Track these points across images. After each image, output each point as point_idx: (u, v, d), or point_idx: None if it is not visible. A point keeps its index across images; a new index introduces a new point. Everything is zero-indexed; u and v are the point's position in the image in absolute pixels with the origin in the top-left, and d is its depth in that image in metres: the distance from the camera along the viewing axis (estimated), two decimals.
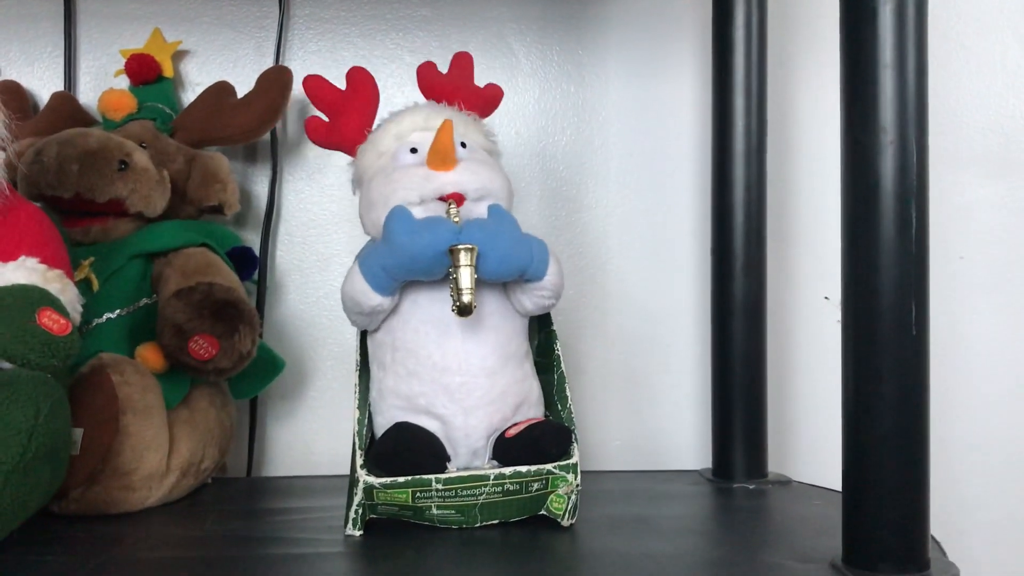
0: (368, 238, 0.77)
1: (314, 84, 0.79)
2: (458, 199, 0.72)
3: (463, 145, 0.75)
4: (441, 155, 0.72)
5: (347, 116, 0.78)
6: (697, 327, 1.01)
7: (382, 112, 0.80)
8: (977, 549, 1.00)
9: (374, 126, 0.79)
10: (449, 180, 0.72)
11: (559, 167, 1.02)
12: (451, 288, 0.68)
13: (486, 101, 0.81)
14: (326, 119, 0.79)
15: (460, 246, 0.68)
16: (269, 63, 0.99)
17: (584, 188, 1.02)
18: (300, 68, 0.98)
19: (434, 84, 0.80)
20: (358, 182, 0.78)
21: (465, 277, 0.67)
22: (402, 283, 0.71)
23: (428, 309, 0.72)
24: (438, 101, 0.79)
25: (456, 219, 0.70)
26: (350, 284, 0.72)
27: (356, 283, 0.71)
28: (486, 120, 0.81)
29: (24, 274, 0.66)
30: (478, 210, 0.72)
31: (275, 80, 0.93)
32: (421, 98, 0.80)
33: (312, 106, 0.79)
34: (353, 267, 0.73)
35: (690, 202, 1.01)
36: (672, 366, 1.02)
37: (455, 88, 0.80)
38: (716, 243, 0.89)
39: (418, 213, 0.70)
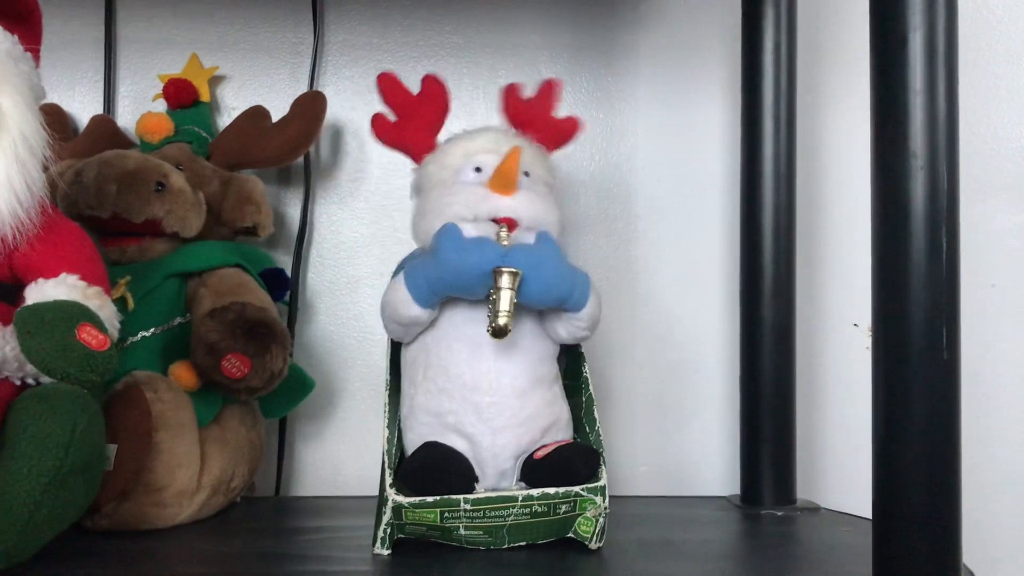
0: (408, 252, 0.78)
1: (387, 83, 0.79)
2: (510, 224, 0.72)
3: (526, 174, 0.76)
4: (504, 179, 0.73)
5: (416, 121, 0.79)
6: (726, 352, 1.00)
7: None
8: None
9: (442, 138, 0.80)
10: (506, 204, 0.73)
11: (587, 192, 1.02)
12: (489, 309, 0.69)
13: (561, 132, 0.82)
14: (393, 119, 0.80)
15: (505, 268, 0.68)
16: (303, 88, 1.00)
17: (612, 213, 1.02)
18: (334, 93, 1.00)
19: (516, 106, 0.81)
20: (418, 189, 0.79)
21: (505, 300, 0.68)
22: (443, 298, 0.72)
23: (462, 328, 0.73)
24: (516, 123, 0.80)
25: (505, 242, 0.71)
26: (392, 292, 0.73)
27: (398, 292, 0.72)
28: (553, 157, 0.81)
29: (64, 290, 0.67)
30: (527, 239, 0.73)
31: (309, 105, 0.94)
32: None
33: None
34: (397, 276, 0.74)
35: (719, 227, 1.01)
36: (700, 391, 1.02)
37: (535, 114, 0.81)
38: (745, 268, 0.89)
39: (469, 230, 0.71)
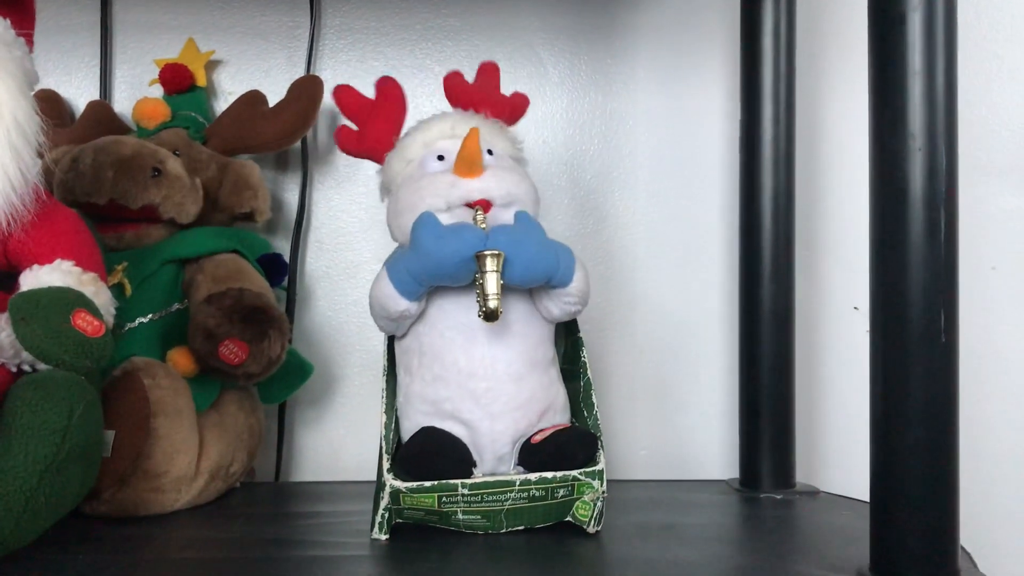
0: (396, 245, 0.77)
1: (344, 94, 0.80)
2: (485, 205, 0.72)
3: (489, 152, 0.76)
4: (468, 162, 0.72)
5: (376, 124, 0.79)
6: (725, 336, 1.00)
7: (410, 121, 0.81)
8: (1008, 561, 0.98)
9: (402, 134, 0.80)
10: (476, 187, 0.73)
11: (587, 176, 1.02)
12: (477, 294, 0.69)
13: (512, 109, 0.82)
14: (355, 128, 0.80)
15: (486, 252, 0.68)
16: (300, 72, 1.00)
17: (612, 197, 1.02)
18: (331, 77, 1.00)
19: (461, 93, 0.81)
20: (386, 189, 0.79)
21: (491, 283, 0.68)
22: (429, 288, 0.72)
23: (454, 315, 0.73)
24: (465, 109, 0.80)
25: (483, 225, 0.70)
26: (378, 289, 0.73)
27: (384, 288, 0.72)
28: (513, 128, 0.81)
29: (60, 276, 0.67)
30: (504, 216, 0.73)
31: (306, 89, 0.94)
32: (449, 107, 0.81)
33: (341, 115, 0.80)
34: (381, 272, 0.73)
35: (718, 210, 1.01)
36: (700, 375, 1.01)
37: (482, 97, 0.81)
38: (744, 251, 0.89)
39: (445, 220, 0.71)
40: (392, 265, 0.72)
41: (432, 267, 0.69)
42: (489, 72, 0.82)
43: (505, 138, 0.79)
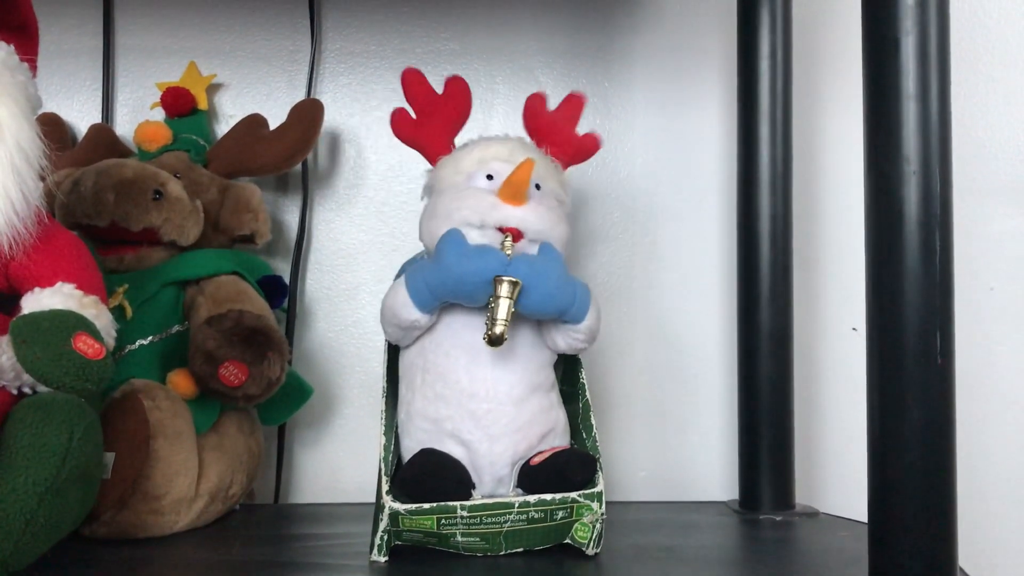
0: (408, 257, 0.78)
1: (412, 79, 0.79)
2: (516, 235, 0.72)
3: (537, 187, 0.76)
4: (514, 188, 0.73)
5: (436, 120, 0.79)
6: (723, 357, 1.00)
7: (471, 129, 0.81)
8: None
9: (459, 142, 0.80)
10: (514, 214, 0.73)
11: (585, 198, 1.03)
12: (487, 316, 0.69)
13: (581, 149, 0.81)
14: (413, 115, 0.79)
15: (505, 278, 0.69)
16: (301, 96, 1.00)
17: (610, 218, 1.02)
18: (331, 101, 1.01)
19: (536, 116, 0.80)
20: (430, 190, 0.79)
21: (502, 308, 0.68)
22: (443, 303, 0.72)
23: (461, 335, 0.73)
24: (536, 134, 0.80)
25: (508, 251, 0.71)
26: (392, 295, 0.73)
27: (399, 295, 0.72)
28: (575, 168, 0.82)
29: (61, 299, 0.67)
30: (530, 251, 0.73)
31: (307, 112, 0.94)
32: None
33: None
34: (398, 279, 0.74)
35: (716, 232, 1.02)
36: (699, 396, 1.01)
37: (554, 126, 0.80)
38: (742, 273, 0.89)
39: (475, 236, 0.72)
40: (411, 274, 0.73)
41: (451, 283, 0.70)
42: (573, 104, 0.81)
43: (556, 180, 0.78)
